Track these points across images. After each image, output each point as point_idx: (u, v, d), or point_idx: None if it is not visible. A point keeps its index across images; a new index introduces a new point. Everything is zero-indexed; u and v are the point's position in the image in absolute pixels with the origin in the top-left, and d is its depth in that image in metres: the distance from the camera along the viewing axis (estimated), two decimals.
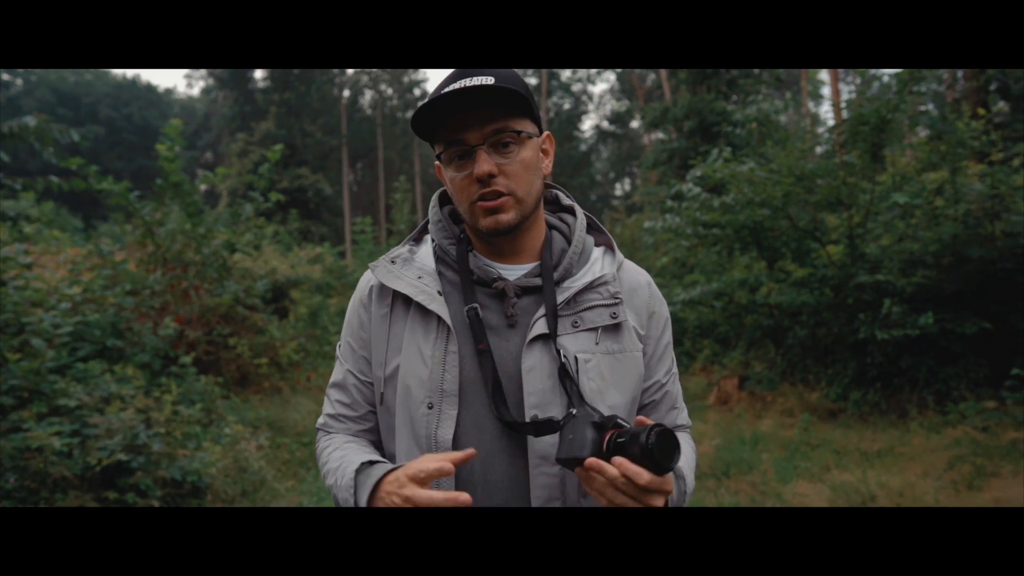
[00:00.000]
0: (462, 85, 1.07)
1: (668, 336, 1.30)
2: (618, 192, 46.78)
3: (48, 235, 9.04)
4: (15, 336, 4.67)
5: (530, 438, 1.10)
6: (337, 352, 1.30)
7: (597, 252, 1.25)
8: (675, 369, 1.32)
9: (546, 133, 1.22)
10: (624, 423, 1.02)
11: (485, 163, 1.09)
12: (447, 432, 1.11)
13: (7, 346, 4.49)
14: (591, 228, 1.30)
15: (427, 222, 1.29)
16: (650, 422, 0.98)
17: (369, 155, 43.73)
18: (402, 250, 1.25)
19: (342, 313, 12.57)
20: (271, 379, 7.84)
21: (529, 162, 1.13)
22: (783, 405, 7.34)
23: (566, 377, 1.11)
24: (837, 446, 5.87)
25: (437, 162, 1.20)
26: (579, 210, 1.29)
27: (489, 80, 1.08)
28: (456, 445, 1.11)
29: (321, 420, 1.29)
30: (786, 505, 4.65)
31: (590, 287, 1.18)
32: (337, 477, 1.12)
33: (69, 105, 43.18)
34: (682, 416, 1.34)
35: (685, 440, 1.30)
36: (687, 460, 1.23)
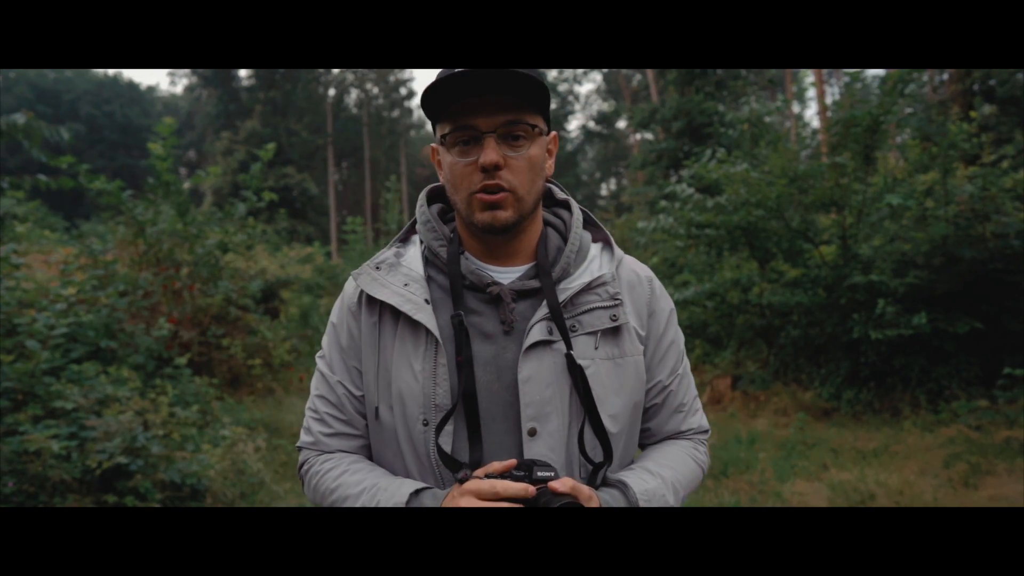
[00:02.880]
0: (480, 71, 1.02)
1: (672, 335, 1.22)
2: (604, 192, 46.94)
3: (37, 235, 8.89)
4: (7, 337, 4.59)
5: (526, 447, 1.06)
6: (319, 364, 1.20)
7: (595, 249, 1.18)
8: (682, 370, 1.24)
9: (553, 133, 1.17)
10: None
11: (493, 152, 1.03)
12: (445, 448, 1.06)
13: (0, 347, 4.42)
14: (588, 224, 1.23)
15: (414, 222, 1.22)
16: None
17: (355, 154, 43.52)
18: (388, 254, 1.18)
19: None
20: (264, 380, 7.77)
21: (535, 160, 1.08)
22: (776, 404, 7.39)
23: (580, 387, 1.06)
24: (833, 445, 5.92)
25: (434, 144, 1.14)
26: (575, 205, 1.22)
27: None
28: (459, 458, 1.06)
29: (309, 438, 1.18)
30: (786, 504, 4.69)
31: (588, 288, 1.11)
32: (365, 504, 1.06)
33: (48, 102, 42.54)
34: (691, 420, 1.25)
35: (682, 449, 1.22)
36: (673, 472, 1.15)
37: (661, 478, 1.11)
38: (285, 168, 30.13)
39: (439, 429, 1.05)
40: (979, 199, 6.60)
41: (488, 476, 1.00)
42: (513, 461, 1.01)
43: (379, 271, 1.14)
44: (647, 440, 1.25)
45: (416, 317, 1.07)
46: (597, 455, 1.10)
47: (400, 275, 1.12)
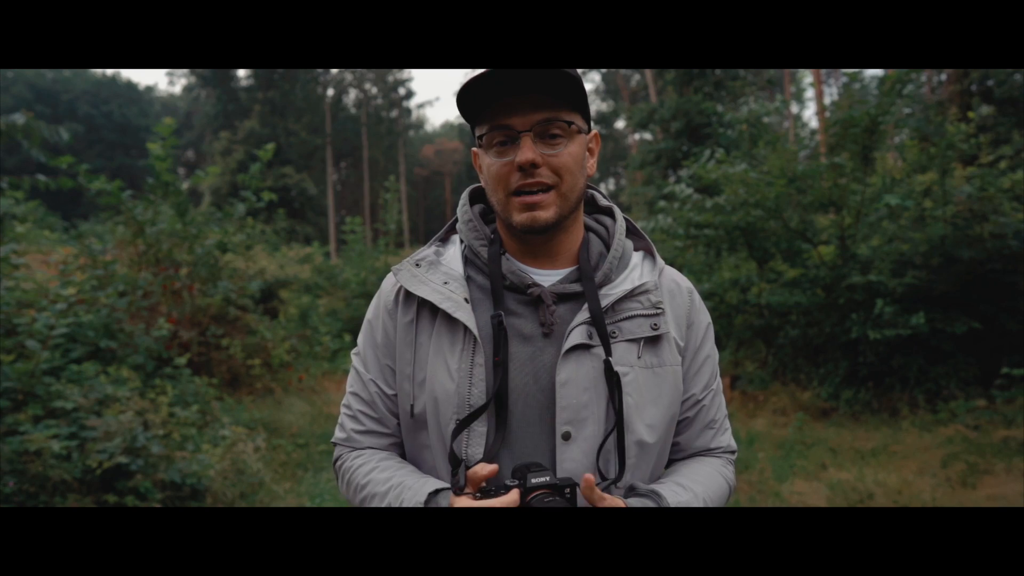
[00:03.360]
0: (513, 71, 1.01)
1: (708, 349, 1.21)
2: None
3: (36, 235, 8.88)
4: (7, 337, 4.59)
5: (559, 451, 1.04)
6: (354, 360, 1.20)
7: (636, 257, 1.17)
8: (716, 386, 1.22)
9: (594, 132, 1.15)
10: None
11: (529, 150, 1.02)
12: (477, 450, 1.05)
13: (0, 347, 4.42)
14: (630, 232, 1.22)
15: (455, 221, 1.21)
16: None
17: (353, 154, 43.53)
18: (428, 252, 1.17)
19: (332, 314, 12.56)
20: (263, 380, 7.77)
21: (576, 157, 1.06)
22: (775, 404, 7.40)
23: (615, 392, 1.04)
24: (832, 444, 5.93)
25: (475, 149, 1.13)
26: (618, 212, 1.22)
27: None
28: (487, 460, 1.04)
29: (343, 435, 1.19)
30: (785, 504, 4.69)
31: (630, 295, 1.10)
32: (391, 501, 1.05)
33: (47, 102, 42.48)
34: (720, 439, 1.23)
35: (711, 466, 1.19)
36: (704, 489, 1.13)
37: (693, 493, 1.09)
38: (284, 168, 30.14)
39: (462, 426, 1.04)
40: (977, 199, 6.62)
41: (474, 479, 1.01)
42: (495, 467, 1.01)
43: (419, 268, 1.13)
44: (675, 455, 1.23)
45: (456, 315, 1.06)
46: (612, 471, 1.07)
47: (440, 273, 1.12)
